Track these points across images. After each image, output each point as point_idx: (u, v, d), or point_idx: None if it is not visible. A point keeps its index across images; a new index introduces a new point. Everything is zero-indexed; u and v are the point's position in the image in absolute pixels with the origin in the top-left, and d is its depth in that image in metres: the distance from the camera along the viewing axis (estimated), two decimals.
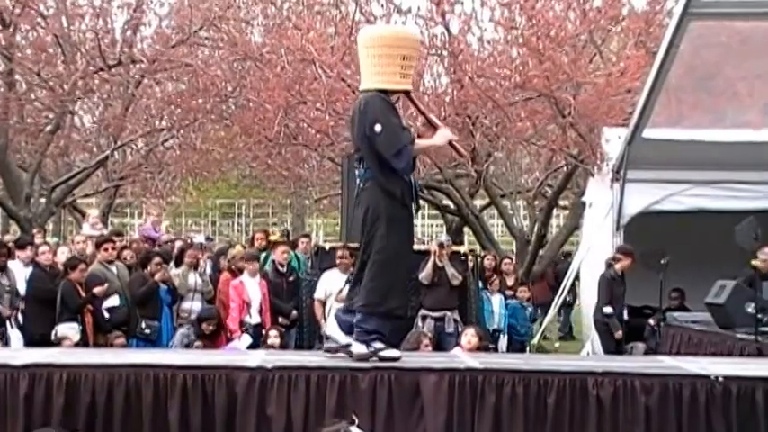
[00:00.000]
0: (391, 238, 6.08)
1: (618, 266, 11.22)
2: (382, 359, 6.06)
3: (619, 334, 10.74)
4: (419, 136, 6.33)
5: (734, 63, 11.47)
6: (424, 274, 10.88)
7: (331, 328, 6.40)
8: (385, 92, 6.16)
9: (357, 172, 6.29)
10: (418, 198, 6.36)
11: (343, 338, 6.24)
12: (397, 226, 6.11)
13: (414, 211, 6.32)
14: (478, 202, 18.91)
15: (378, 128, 6.01)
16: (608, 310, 10.95)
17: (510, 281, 13.31)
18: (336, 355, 6.23)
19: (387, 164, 6.05)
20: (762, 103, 11.74)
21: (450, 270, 11.00)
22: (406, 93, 6.37)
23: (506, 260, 13.85)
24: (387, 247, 6.08)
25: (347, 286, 10.80)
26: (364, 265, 6.21)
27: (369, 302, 6.13)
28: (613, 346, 10.80)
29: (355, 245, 11.70)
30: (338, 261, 11.10)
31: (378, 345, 6.11)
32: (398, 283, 6.19)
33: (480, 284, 12.38)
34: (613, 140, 12.48)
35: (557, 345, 15.36)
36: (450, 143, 6.40)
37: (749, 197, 11.66)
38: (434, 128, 6.36)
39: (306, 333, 11.64)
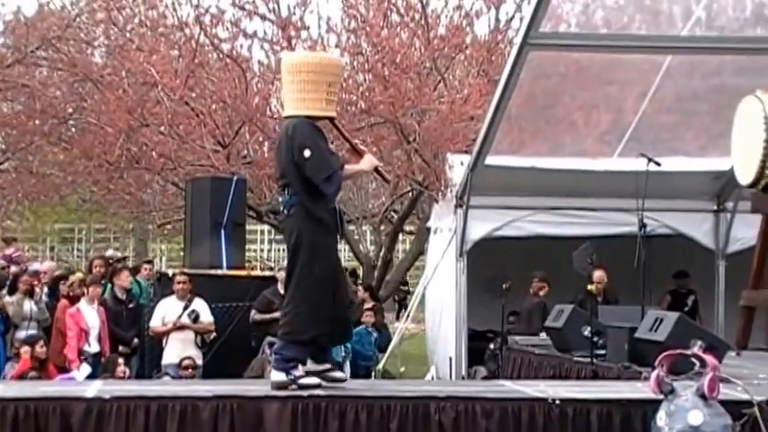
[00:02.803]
0: (315, 265, 6.06)
1: (542, 293, 11.56)
2: (301, 387, 6.03)
3: None
4: (345, 162, 6.35)
5: (571, 93, 11.82)
6: (257, 318, 10.90)
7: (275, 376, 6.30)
8: (310, 118, 6.13)
9: (281, 198, 6.26)
10: (343, 224, 6.39)
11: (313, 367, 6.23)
12: (321, 252, 6.10)
13: (338, 238, 6.37)
14: None
15: (307, 153, 6.00)
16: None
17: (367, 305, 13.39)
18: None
19: (315, 189, 6.05)
20: (598, 133, 12.12)
21: None
22: (331, 119, 6.33)
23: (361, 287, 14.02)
24: (310, 274, 6.06)
25: (185, 313, 10.73)
26: (289, 292, 6.20)
27: (292, 330, 6.10)
28: None
29: (194, 271, 11.68)
30: (176, 287, 10.90)
31: (297, 372, 6.08)
32: (323, 310, 6.13)
33: None
34: (457, 167, 12.67)
35: (402, 369, 15.42)
36: (375, 169, 6.44)
37: (586, 223, 11.99)
38: (359, 154, 6.38)
39: (148, 362, 11.38)
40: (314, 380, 6.16)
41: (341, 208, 6.37)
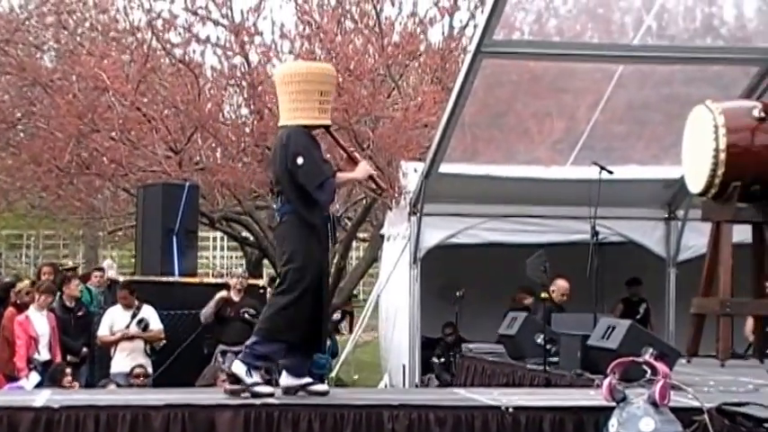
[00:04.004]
0: (308, 271, 6.11)
1: (527, 302, 11.59)
2: (254, 395, 6.02)
3: None
4: (340, 170, 6.42)
5: (524, 101, 11.88)
6: (206, 312, 10.85)
7: (283, 379, 6.32)
8: (305, 127, 6.21)
9: (275, 206, 6.34)
10: (335, 231, 6.46)
11: (292, 381, 6.24)
12: (313, 259, 6.15)
13: (331, 245, 6.44)
14: None
15: (300, 160, 6.08)
16: None
17: None
18: (297, 394, 6.22)
19: (308, 196, 6.11)
20: (551, 141, 12.18)
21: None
22: (326, 128, 6.41)
23: None
24: (303, 279, 6.10)
25: (134, 322, 10.64)
26: (275, 295, 6.26)
27: (272, 327, 6.12)
28: None
29: (146, 278, 11.57)
30: (119, 299, 10.82)
31: (256, 378, 6.09)
32: (306, 315, 6.16)
33: None
34: (411, 174, 12.67)
35: (355, 377, 15.40)
36: (370, 177, 6.50)
37: (539, 231, 12.05)
38: (355, 162, 6.44)
39: (98, 370, 11.24)
40: (267, 389, 6.14)
41: (335, 215, 6.46)
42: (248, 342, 6.25)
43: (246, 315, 10.95)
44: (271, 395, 6.06)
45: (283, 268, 6.21)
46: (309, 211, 6.17)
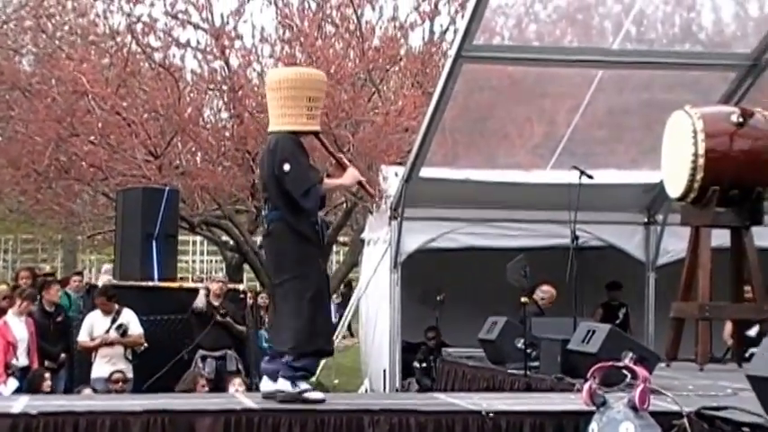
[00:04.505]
0: (305, 279, 6.11)
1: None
2: (306, 401, 6.05)
3: None
4: (328, 176, 6.48)
5: (504, 106, 11.91)
6: (200, 300, 11.01)
7: (263, 384, 6.36)
8: (293, 133, 6.21)
9: (264, 213, 6.36)
10: (324, 237, 6.49)
11: (272, 386, 6.23)
12: (308, 265, 6.15)
13: (321, 251, 6.44)
14: (258, 239, 18.77)
15: (287, 167, 6.08)
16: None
17: None
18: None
19: (295, 203, 6.11)
20: (531, 145, 12.21)
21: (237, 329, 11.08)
22: (315, 134, 6.41)
23: None
24: (303, 288, 6.10)
25: (113, 327, 10.59)
26: (281, 307, 6.26)
27: (297, 344, 6.11)
28: None
29: (125, 283, 11.53)
30: (98, 305, 10.77)
31: (303, 386, 6.12)
32: (321, 319, 6.21)
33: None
34: (391, 178, 12.67)
35: (336, 382, 15.38)
36: (359, 183, 6.51)
37: (520, 235, 12.05)
38: (343, 168, 6.46)
39: (77, 375, 11.18)
40: (319, 395, 6.20)
41: (323, 220, 6.44)
42: (283, 360, 6.21)
43: (219, 317, 10.93)
44: (322, 401, 6.11)
45: (280, 279, 6.20)
46: (296, 217, 6.16)
